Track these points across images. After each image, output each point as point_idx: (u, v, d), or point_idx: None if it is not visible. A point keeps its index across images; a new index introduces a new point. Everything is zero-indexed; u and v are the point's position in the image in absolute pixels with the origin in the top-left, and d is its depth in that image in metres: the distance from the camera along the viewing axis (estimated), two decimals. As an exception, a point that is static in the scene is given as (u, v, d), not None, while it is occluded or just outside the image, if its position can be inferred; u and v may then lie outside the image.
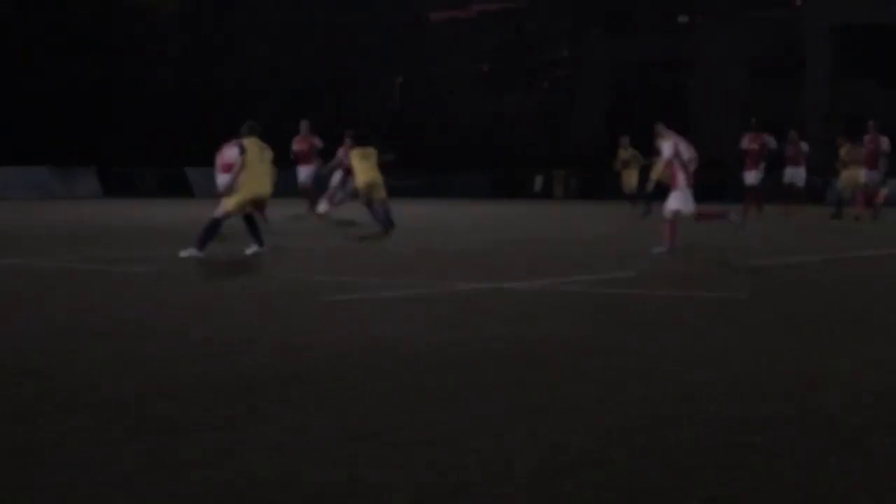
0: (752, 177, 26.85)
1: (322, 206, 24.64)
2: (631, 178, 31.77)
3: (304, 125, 27.67)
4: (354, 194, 23.37)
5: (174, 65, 54.84)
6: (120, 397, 6.21)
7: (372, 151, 22.87)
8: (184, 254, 14.94)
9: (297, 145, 27.47)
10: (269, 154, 16.34)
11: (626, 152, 32.06)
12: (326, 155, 27.46)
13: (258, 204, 16.92)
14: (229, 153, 16.06)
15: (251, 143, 16.06)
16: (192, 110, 50.50)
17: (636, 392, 6.37)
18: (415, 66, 58.91)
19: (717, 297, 11.34)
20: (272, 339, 8.28)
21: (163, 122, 51.50)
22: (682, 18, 54.57)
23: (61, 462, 4.87)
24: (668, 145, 16.82)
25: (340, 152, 24.52)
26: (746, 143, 27.37)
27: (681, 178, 16.38)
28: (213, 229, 15.44)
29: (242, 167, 15.83)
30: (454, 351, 7.73)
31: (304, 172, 27.37)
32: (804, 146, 29.98)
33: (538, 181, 47.90)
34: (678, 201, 16.28)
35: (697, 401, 6.16)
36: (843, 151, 28.10)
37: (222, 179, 16.35)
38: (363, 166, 22.48)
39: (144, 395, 6.22)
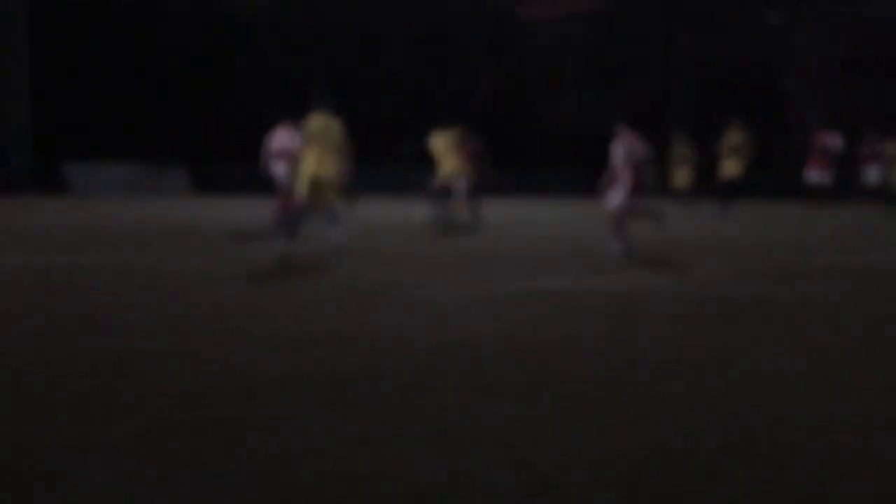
0: (816, 176, 26.58)
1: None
2: (682, 176, 31.43)
3: None
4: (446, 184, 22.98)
5: (265, 63, 55.66)
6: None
7: (452, 135, 22.59)
8: (276, 248, 14.36)
9: None
10: (335, 129, 15.23)
11: (682, 149, 31.77)
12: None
13: (329, 189, 15.47)
14: (281, 137, 15.22)
15: (315, 118, 15.21)
16: (283, 108, 51.06)
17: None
18: (507, 63, 59.00)
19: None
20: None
21: (252, 120, 52.21)
22: (774, 17, 53.88)
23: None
24: (621, 149, 16.73)
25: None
26: (818, 142, 27.15)
27: (628, 178, 16.38)
28: (295, 222, 14.60)
29: (305, 145, 15.04)
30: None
31: None
32: (883, 146, 29.59)
33: None
34: (618, 196, 16.33)
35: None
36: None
37: (276, 167, 15.72)
38: (445, 154, 22.29)
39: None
